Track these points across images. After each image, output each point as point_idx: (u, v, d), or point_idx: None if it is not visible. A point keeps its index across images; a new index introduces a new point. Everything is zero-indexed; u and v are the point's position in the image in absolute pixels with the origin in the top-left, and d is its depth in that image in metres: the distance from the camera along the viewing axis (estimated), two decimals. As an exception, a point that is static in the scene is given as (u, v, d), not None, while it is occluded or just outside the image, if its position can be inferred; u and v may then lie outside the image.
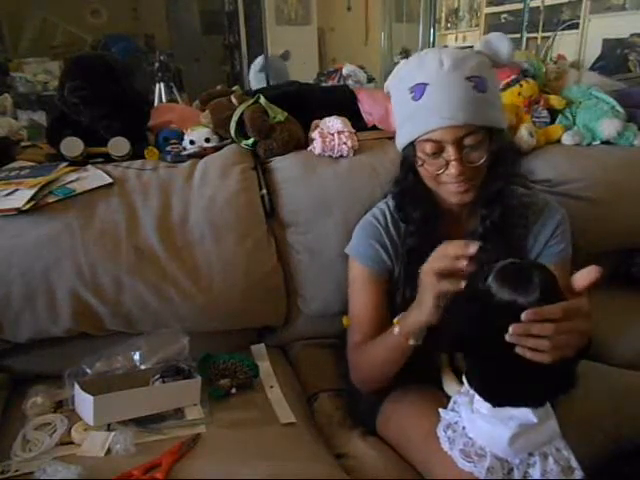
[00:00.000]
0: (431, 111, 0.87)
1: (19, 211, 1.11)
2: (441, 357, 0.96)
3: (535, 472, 0.77)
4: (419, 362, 0.93)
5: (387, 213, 1.05)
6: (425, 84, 0.86)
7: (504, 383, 0.76)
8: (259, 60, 3.28)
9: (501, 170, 0.96)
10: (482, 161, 0.90)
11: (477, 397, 0.79)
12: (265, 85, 2.91)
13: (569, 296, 0.71)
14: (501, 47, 0.91)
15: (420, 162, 0.94)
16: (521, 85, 1.55)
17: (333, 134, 1.38)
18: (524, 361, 0.71)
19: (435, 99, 0.86)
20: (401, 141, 0.97)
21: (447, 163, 0.89)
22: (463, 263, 0.76)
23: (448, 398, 0.88)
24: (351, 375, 1.05)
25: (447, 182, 0.92)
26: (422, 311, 0.83)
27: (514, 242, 1.00)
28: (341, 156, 1.38)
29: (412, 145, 0.94)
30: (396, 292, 1.04)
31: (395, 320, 0.92)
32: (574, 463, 0.79)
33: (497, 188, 0.95)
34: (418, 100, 0.87)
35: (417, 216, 0.99)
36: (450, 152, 0.88)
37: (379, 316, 1.01)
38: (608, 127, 1.54)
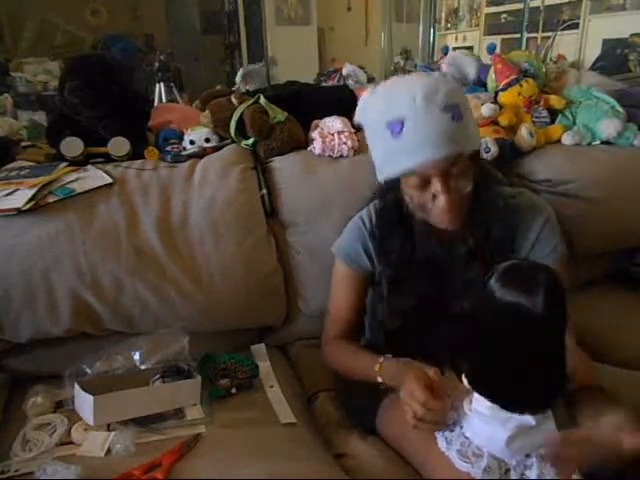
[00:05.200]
0: (413, 148, 0.85)
1: (19, 211, 1.12)
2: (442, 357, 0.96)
3: (532, 474, 0.77)
4: (419, 362, 0.92)
5: (374, 217, 1.05)
6: (401, 120, 0.84)
7: (505, 384, 0.76)
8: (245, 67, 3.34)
9: (485, 193, 0.95)
10: (469, 188, 0.90)
11: (476, 396, 0.79)
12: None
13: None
14: (468, 68, 0.88)
15: (408, 197, 0.93)
16: (521, 85, 1.55)
17: (333, 134, 1.38)
18: (525, 362, 0.71)
19: (415, 136, 0.84)
20: (383, 176, 0.95)
21: (435, 196, 0.89)
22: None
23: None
24: (323, 358, 1.14)
25: (436, 212, 0.91)
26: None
27: (501, 247, 0.98)
28: (341, 156, 1.38)
29: (396, 179, 0.93)
30: (376, 288, 1.07)
31: (377, 368, 0.95)
32: (571, 465, 0.79)
33: (485, 208, 0.95)
34: (397, 137, 0.85)
35: (396, 246, 1.00)
36: (437, 185, 0.87)
37: (355, 314, 1.11)
38: (608, 127, 1.54)
